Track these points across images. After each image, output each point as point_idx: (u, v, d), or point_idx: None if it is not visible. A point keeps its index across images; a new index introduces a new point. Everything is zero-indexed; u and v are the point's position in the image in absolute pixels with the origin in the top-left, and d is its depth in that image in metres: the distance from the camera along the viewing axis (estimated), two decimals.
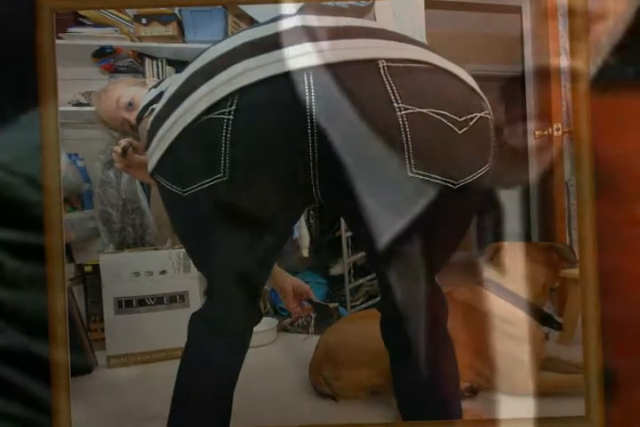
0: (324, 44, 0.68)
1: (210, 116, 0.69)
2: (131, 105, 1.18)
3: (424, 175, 0.69)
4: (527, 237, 1.24)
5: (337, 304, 1.39)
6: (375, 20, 1.03)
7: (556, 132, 1.03)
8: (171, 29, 1.43)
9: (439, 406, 0.82)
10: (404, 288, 0.80)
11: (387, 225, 0.73)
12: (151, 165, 0.77)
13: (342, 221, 1.52)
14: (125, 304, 1.47)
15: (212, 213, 0.75)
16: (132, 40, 1.50)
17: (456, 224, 0.79)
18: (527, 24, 1.09)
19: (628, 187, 0.77)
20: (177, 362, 0.86)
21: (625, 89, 0.76)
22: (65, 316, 0.78)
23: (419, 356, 0.81)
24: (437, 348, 0.82)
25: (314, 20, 0.72)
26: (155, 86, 1.03)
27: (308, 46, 0.68)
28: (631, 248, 0.78)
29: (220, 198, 0.73)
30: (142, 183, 1.60)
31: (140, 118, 1.05)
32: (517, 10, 1.27)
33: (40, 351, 0.78)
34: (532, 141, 1.09)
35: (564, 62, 0.97)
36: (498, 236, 1.24)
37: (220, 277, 0.86)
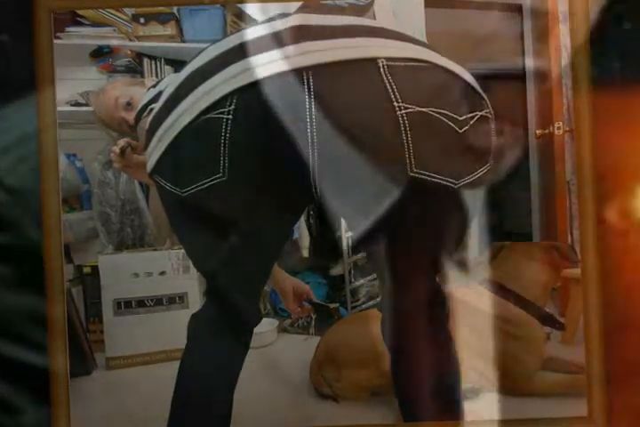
0: (323, 44, 0.68)
1: (209, 115, 0.68)
2: (129, 105, 1.18)
3: (424, 175, 0.68)
4: (529, 236, 1.23)
5: (337, 305, 1.39)
6: (375, 18, 1.03)
7: (557, 131, 1.03)
8: (169, 29, 1.42)
9: (441, 408, 0.82)
10: (405, 288, 0.80)
11: (387, 225, 0.72)
12: (150, 165, 0.77)
13: (342, 221, 1.51)
14: (124, 305, 1.46)
15: (211, 213, 0.75)
16: (131, 39, 1.49)
17: (457, 224, 0.78)
18: (528, 22, 1.09)
19: (629, 185, 0.77)
20: (177, 363, 0.86)
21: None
22: (64, 317, 0.78)
23: (420, 356, 0.81)
24: (439, 348, 0.82)
25: (313, 19, 0.71)
26: (153, 86, 1.03)
27: (307, 45, 0.68)
28: (633, 248, 0.78)
29: (220, 199, 0.72)
30: (141, 184, 1.59)
31: (138, 118, 1.05)
32: (518, 8, 1.27)
33: (39, 354, 0.78)
34: (532, 141, 1.09)
35: (564, 60, 0.96)
36: (499, 235, 1.24)
37: (219, 277, 0.85)
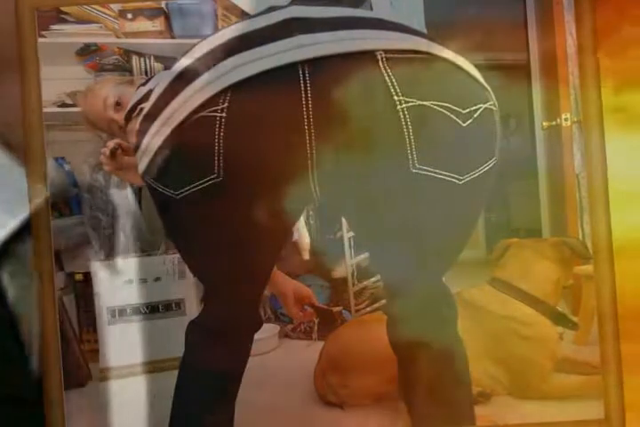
0: (319, 36, 0.67)
1: (202, 114, 0.67)
2: (118, 104, 1.17)
3: (428, 171, 0.67)
4: (538, 232, 1.22)
5: (340, 308, 1.38)
6: (372, 9, 1.02)
7: (564, 123, 1.02)
8: (158, 24, 1.40)
9: (451, 413, 0.81)
10: (410, 290, 0.79)
11: (389, 224, 0.72)
12: (141, 166, 0.75)
13: (343, 221, 1.50)
14: (119, 313, 1.44)
15: (207, 215, 0.73)
16: (118, 36, 1.47)
17: (462, 221, 0.77)
18: (531, 10, 1.08)
19: None
20: (175, 372, 0.84)
21: None
22: (56, 327, 0.77)
23: (428, 360, 0.79)
24: (447, 351, 0.81)
25: (308, 11, 0.70)
26: (143, 84, 1.01)
27: (301, 39, 0.66)
28: None
29: (215, 200, 0.71)
30: (133, 186, 1.58)
31: (128, 118, 1.04)
32: None
33: (32, 366, 0.77)
34: (539, 133, 1.08)
35: (570, 49, 0.95)
36: (507, 232, 1.23)
37: (216, 282, 0.83)
